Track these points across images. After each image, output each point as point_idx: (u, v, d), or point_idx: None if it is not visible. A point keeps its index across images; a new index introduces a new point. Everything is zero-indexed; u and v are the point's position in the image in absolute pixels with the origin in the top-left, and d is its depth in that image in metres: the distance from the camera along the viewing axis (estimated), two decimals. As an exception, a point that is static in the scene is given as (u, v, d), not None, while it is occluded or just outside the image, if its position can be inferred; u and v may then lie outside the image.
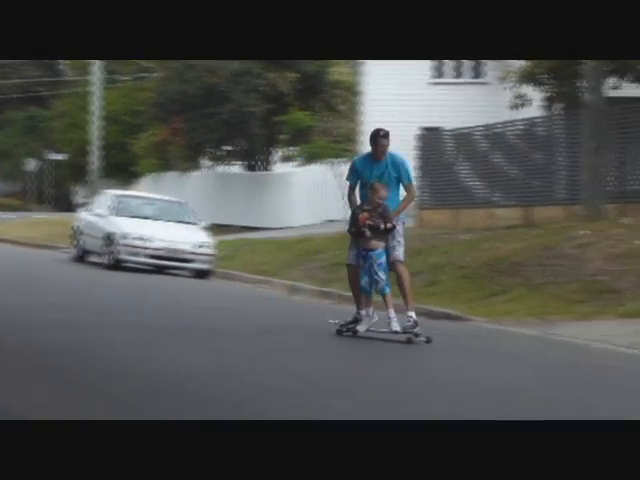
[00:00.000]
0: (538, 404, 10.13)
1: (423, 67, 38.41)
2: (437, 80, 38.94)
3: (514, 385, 11.64)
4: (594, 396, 11.00)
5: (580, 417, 8.64)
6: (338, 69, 45.35)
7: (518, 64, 28.78)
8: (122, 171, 56.67)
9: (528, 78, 28.26)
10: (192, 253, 28.30)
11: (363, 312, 13.88)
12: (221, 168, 49.05)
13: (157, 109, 47.73)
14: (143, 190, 43.26)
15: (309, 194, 38.84)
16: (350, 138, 37.87)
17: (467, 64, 39.08)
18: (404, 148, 32.33)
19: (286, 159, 40.66)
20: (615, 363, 13.61)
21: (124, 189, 42.19)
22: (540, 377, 12.65)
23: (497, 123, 30.56)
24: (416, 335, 13.25)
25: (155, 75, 50.92)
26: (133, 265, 28.02)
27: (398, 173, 13.93)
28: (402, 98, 36.60)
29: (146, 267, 28.46)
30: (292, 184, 40.99)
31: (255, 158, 47.73)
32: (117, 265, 27.90)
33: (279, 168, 46.36)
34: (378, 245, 13.26)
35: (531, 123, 29.62)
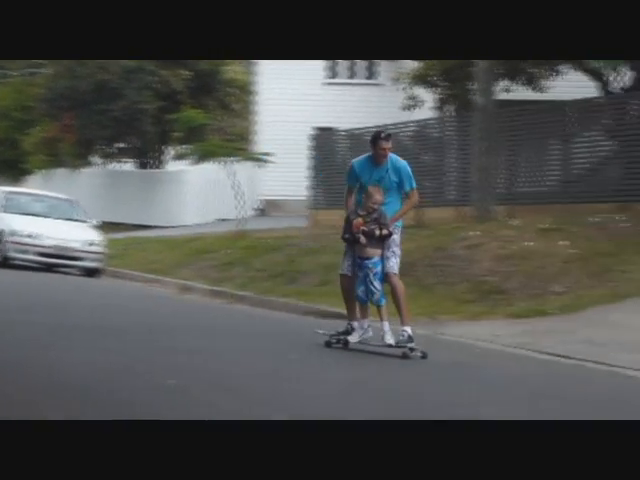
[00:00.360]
0: (394, 402, 10.54)
1: (317, 67, 38.79)
2: (331, 80, 39.24)
3: (389, 383, 11.93)
4: (461, 395, 11.27)
5: (426, 416, 9.04)
6: (232, 68, 45.42)
7: (411, 65, 29.17)
8: (11, 168, 55.73)
9: (421, 80, 28.69)
10: (82, 251, 27.82)
11: (356, 323, 13.15)
12: (113, 166, 48.69)
13: (47, 105, 47.28)
14: (33, 187, 42.60)
15: (201, 193, 38.97)
16: (244, 137, 37.96)
17: (361, 65, 39.44)
18: (297, 148, 32.78)
19: (179, 157, 40.63)
20: (498, 362, 13.96)
21: (13, 186, 41.67)
22: (419, 376, 12.82)
23: (390, 124, 30.62)
24: (411, 350, 12.50)
25: (45, 71, 50.46)
26: (22, 263, 27.54)
27: (399, 178, 12.96)
28: (296, 98, 36.88)
29: (35, 265, 27.93)
30: (184, 182, 41.06)
31: (147, 156, 47.59)
32: (5, 263, 27.45)
33: (172, 166, 46.12)
34: (374, 253, 12.46)
35: (423, 124, 29.94)
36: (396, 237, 12.87)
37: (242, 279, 22.80)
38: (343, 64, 39.43)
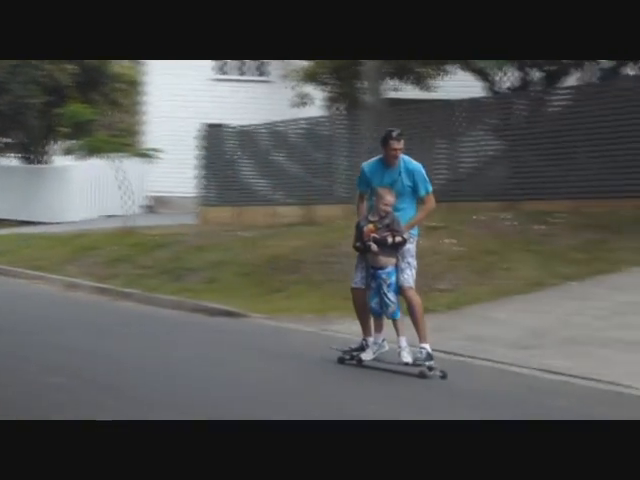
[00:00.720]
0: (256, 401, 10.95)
1: (206, 63, 38.78)
2: (221, 77, 39.10)
3: (267, 380, 12.35)
4: (348, 392, 11.65)
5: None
6: (120, 62, 44.96)
7: (301, 64, 29.30)
8: None
9: (310, 78, 28.83)
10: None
11: (370, 339, 11.96)
12: (-3, 161, 47.99)
13: None
14: None
15: (88, 189, 38.64)
16: (132, 133, 37.81)
17: (251, 62, 39.33)
18: (187, 144, 32.83)
19: (66, 152, 40.29)
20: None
21: None
22: (295, 372, 13.23)
23: (280, 121, 30.76)
24: (430, 369, 11.31)
25: None
26: None
27: (413, 182, 11.64)
28: (185, 93, 36.85)
29: None
30: (70, 178, 40.47)
31: (32, 151, 46.83)
32: None
33: (58, 161, 45.39)
34: (388, 262, 11.25)
35: (313, 122, 30.00)
36: (411, 247, 11.71)
37: (128, 276, 22.66)
38: (233, 61, 39.30)
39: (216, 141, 32.46)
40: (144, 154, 32.36)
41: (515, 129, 24.32)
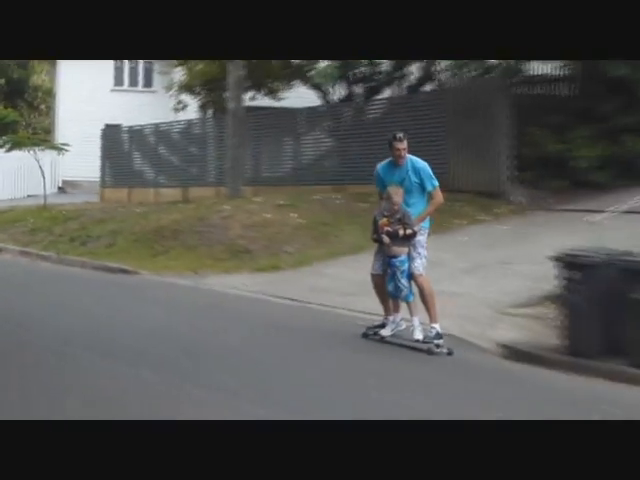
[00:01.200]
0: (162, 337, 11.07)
1: (107, 76, 38.47)
2: (118, 88, 38.78)
3: (159, 321, 12.57)
4: (218, 324, 12.35)
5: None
6: (39, 76, 44.81)
7: (179, 77, 29.30)
8: None
9: (186, 89, 28.80)
10: None
11: (390, 318, 10.95)
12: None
13: None
14: None
15: (14, 174, 37.87)
16: (48, 131, 37.49)
17: (140, 75, 39.23)
18: (91, 140, 32.50)
19: (-5, 147, 39.98)
20: (245, 303, 14.41)
21: None
22: (181, 315, 13.44)
23: (163, 122, 30.86)
24: (437, 346, 10.17)
25: None
26: None
27: (419, 178, 10.58)
28: (90, 100, 36.33)
29: None
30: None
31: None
32: None
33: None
34: (401, 252, 10.37)
35: (189, 123, 29.93)
36: (422, 238, 10.58)
37: (45, 242, 22.37)
38: (127, 74, 39.14)
39: (114, 138, 32.39)
40: (57, 147, 32.27)
41: (343, 130, 24.50)
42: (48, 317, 12.54)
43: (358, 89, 25.47)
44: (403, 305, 11.02)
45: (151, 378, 9.02)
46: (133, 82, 39.51)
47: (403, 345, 10.33)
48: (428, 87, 24.55)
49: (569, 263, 10.17)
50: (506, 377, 9.76)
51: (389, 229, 10.33)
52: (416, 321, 10.51)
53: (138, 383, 8.83)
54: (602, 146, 19.25)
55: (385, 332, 10.66)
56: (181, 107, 29.22)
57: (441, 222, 18.61)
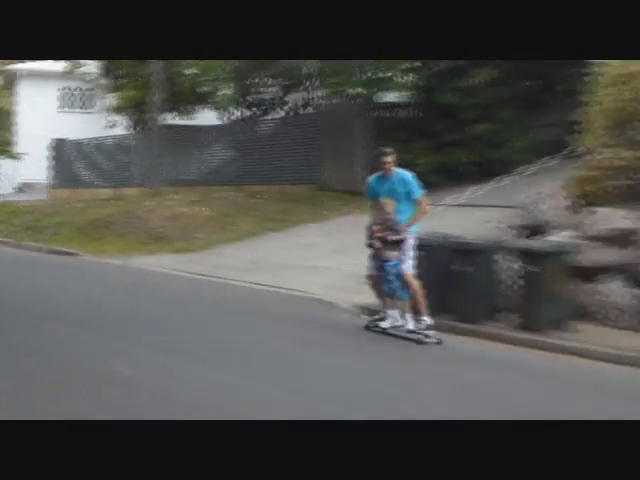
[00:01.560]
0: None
1: (55, 100, 37.77)
2: (63, 110, 37.98)
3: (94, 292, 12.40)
4: (143, 300, 12.06)
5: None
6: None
7: (111, 102, 28.86)
8: None
9: (118, 110, 28.36)
10: None
11: (389, 312, 9.79)
12: None
13: None
14: None
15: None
16: (8, 142, 36.46)
17: (82, 99, 38.53)
18: (44, 150, 31.81)
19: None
20: (164, 279, 14.43)
21: None
22: (112, 287, 13.47)
23: (100, 137, 30.36)
24: (426, 336, 9.17)
25: None
26: None
27: (406, 188, 9.56)
28: (43, 119, 35.37)
29: None
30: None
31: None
32: None
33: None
34: (392, 256, 9.33)
35: (120, 137, 29.34)
36: (411, 242, 9.52)
37: (6, 231, 21.96)
38: (71, 98, 38.42)
39: (60, 149, 31.52)
40: (14, 156, 31.81)
41: (241, 143, 24.46)
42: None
43: (252, 111, 25.42)
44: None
45: (83, 335, 9.06)
46: (76, 105, 38.71)
47: (398, 336, 9.33)
48: (307, 110, 24.59)
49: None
50: (361, 330, 9.86)
51: (380, 235, 9.37)
52: (408, 316, 9.46)
53: (74, 340, 8.87)
54: (435, 156, 19.65)
55: (384, 324, 9.67)
56: (113, 125, 28.79)
57: (316, 213, 18.92)
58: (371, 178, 9.98)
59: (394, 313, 9.65)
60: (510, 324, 9.61)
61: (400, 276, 9.34)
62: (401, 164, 9.93)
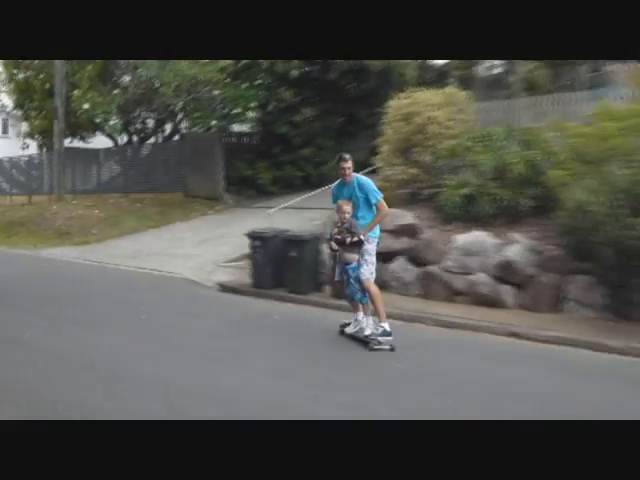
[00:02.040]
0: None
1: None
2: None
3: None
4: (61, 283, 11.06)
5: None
6: None
7: (25, 129, 27.14)
8: None
9: (30, 135, 26.71)
10: None
11: (355, 315, 7.71)
12: None
13: None
14: None
15: None
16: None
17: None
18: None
19: None
20: (67, 265, 13.62)
21: None
22: (25, 270, 12.73)
23: (16, 156, 28.66)
24: (379, 342, 7.10)
25: None
26: None
27: (364, 193, 7.61)
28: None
29: None
30: None
31: None
32: None
33: None
34: (351, 259, 7.44)
35: (31, 156, 27.52)
36: (369, 246, 7.40)
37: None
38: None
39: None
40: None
41: (127, 161, 23.46)
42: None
43: (135, 137, 24.49)
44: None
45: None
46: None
47: (357, 339, 7.24)
48: (177, 137, 23.93)
49: (255, 236, 10.29)
50: (219, 301, 9.76)
51: (338, 237, 7.37)
52: (369, 320, 7.43)
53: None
54: (273, 172, 19.61)
55: (349, 329, 7.56)
56: (27, 146, 27.13)
57: (185, 214, 18.46)
58: (334, 185, 7.90)
59: (357, 316, 7.57)
60: (329, 294, 9.61)
61: (358, 279, 7.33)
62: (247, 178, 9.69)
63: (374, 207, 7.34)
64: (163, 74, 18.09)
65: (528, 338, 7.18)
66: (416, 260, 9.60)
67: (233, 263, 12.21)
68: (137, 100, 20.52)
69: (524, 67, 17.65)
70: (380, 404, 5.13)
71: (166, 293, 10.28)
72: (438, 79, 20.54)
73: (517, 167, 9.04)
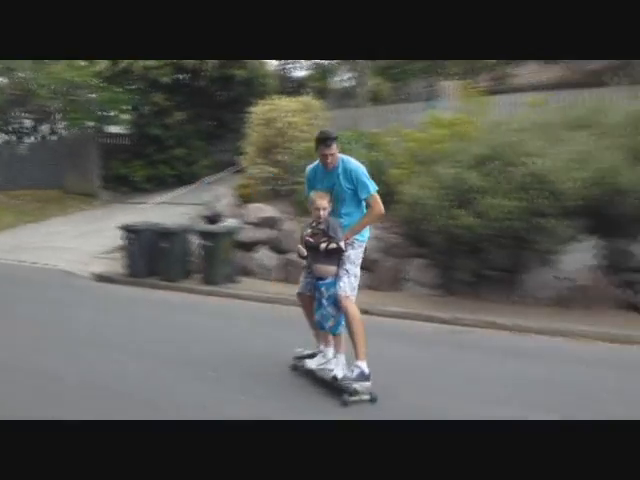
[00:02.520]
0: None
1: None
2: None
3: None
4: None
5: None
6: None
7: None
8: None
9: None
10: None
11: (322, 347, 4.93)
12: None
13: None
14: None
15: None
16: None
17: None
18: None
19: None
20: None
21: None
22: None
23: None
24: (356, 392, 4.29)
25: None
26: None
27: (352, 184, 4.47)
28: None
29: None
30: None
31: None
32: None
33: None
34: (327, 272, 4.53)
35: None
36: (353, 253, 4.57)
37: None
38: None
39: None
40: None
41: (5, 159, 21.49)
42: None
43: (13, 136, 22.58)
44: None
45: None
46: None
47: (324, 381, 4.64)
48: (54, 136, 22.35)
49: (129, 229, 9.85)
50: (95, 290, 9.21)
51: (309, 239, 4.65)
52: (342, 358, 4.70)
53: None
54: (147, 170, 18.98)
55: (311, 364, 4.86)
56: None
57: (62, 209, 17.33)
58: (308, 168, 4.82)
59: (327, 351, 4.85)
60: (198, 281, 9.36)
61: (334, 300, 4.55)
62: (122, 176, 9.21)
63: (363, 202, 4.58)
64: (39, 76, 16.88)
65: (376, 313, 7.37)
66: (277, 249, 9.57)
67: (109, 255, 11.62)
68: (13, 101, 19.06)
69: (372, 81, 18.13)
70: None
71: (41, 284, 9.60)
72: (296, 89, 20.66)
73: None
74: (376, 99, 17.98)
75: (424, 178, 7.90)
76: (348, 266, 4.55)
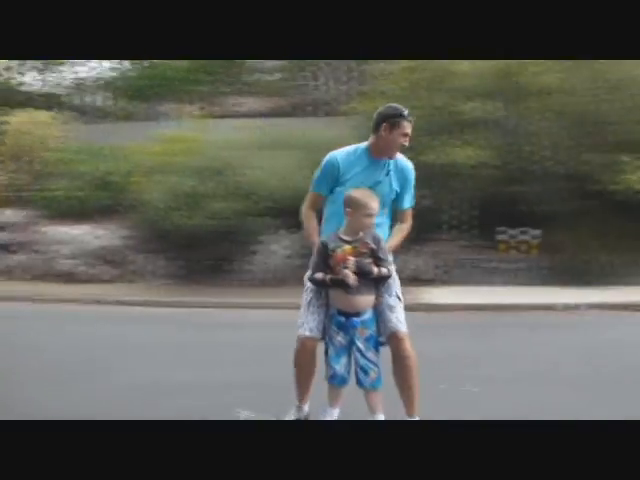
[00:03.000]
0: None
1: None
2: None
3: None
4: None
5: None
6: None
7: None
8: None
9: None
10: None
11: (306, 407, 2.99)
12: None
13: None
14: None
15: None
16: None
17: None
18: None
19: None
20: None
21: None
22: None
23: None
24: None
25: None
26: None
27: (401, 187, 2.93)
28: None
29: None
30: None
31: None
32: None
33: None
34: (366, 304, 2.64)
35: None
36: (396, 276, 2.92)
37: None
38: None
39: None
40: None
41: None
42: None
43: None
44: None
45: None
46: None
47: None
48: None
49: None
50: None
51: (350, 260, 2.73)
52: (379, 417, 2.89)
53: None
54: None
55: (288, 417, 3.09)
56: None
57: None
58: (339, 155, 3.03)
59: (332, 415, 2.95)
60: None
61: (377, 343, 2.93)
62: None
63: (399, 214, 3.20)
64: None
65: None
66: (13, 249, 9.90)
67: None
68: None
69: (121, 101, 18.47)
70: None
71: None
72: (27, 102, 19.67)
73: (112, 176, 10.02)
74: (127, 117, 18.40)
75: (160, 186, 9.07)
76: (399, 292, 3.01)
